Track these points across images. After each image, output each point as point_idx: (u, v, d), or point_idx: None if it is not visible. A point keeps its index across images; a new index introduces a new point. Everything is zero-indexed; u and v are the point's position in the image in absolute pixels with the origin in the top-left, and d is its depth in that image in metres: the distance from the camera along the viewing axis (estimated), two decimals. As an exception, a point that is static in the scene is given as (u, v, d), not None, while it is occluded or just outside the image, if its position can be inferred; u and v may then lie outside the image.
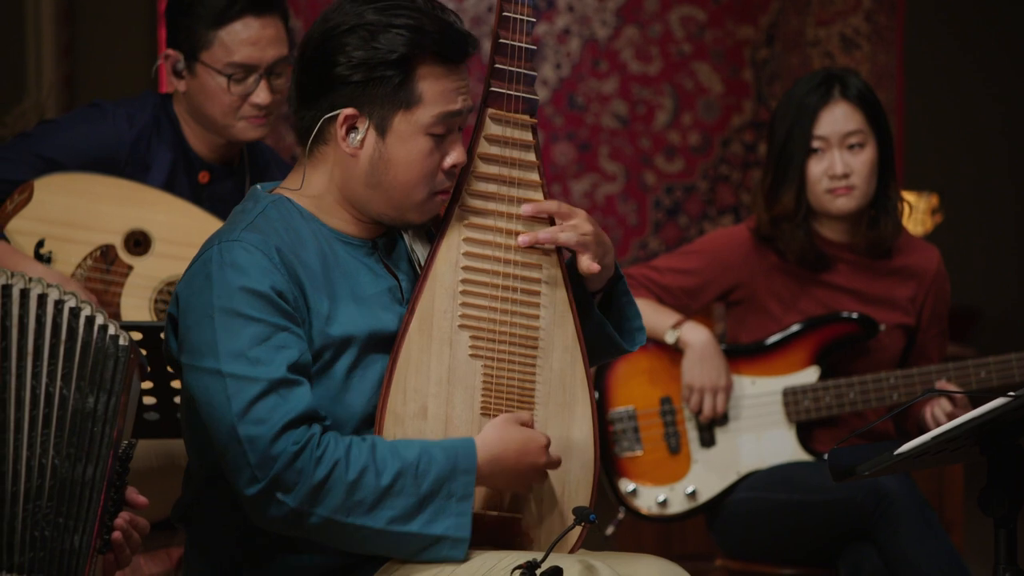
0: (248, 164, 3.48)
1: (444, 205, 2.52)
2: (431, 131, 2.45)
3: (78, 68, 6.06)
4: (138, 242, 3.30)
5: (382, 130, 2.45)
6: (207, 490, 2.48)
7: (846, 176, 3.59)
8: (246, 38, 3.28)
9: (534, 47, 2.58)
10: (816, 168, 3.61)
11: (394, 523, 2.36)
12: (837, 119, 3.60)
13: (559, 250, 2.58)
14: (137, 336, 2.86)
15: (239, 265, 2.38)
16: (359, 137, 2.46)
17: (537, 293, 2.55)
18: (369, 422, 2.45)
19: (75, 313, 2.26)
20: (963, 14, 7.55)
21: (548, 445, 2.48)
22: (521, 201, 2.56)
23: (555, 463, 2.50)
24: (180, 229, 3.30)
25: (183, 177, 3.39)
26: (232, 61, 3.28)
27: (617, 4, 6.22)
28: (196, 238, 3.29)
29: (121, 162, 3.33)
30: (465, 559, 2.39)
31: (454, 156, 2.48)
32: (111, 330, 2.28)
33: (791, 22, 6.24)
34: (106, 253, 3.28)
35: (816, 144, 3.60)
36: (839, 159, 3.59)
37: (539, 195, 2.58)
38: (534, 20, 2.58)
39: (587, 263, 2.55)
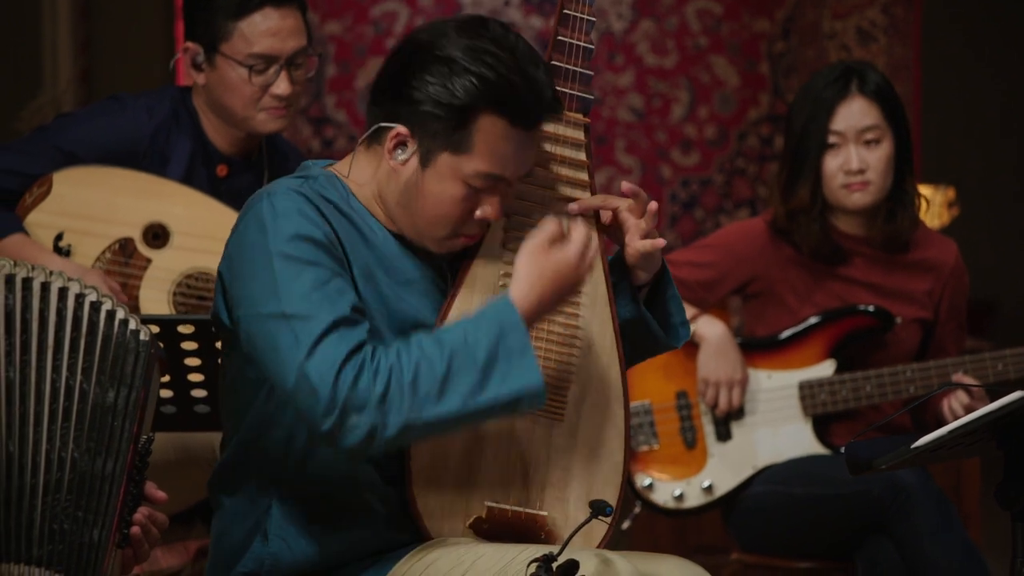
0: (267, 157, 3.49)
1: (464, 246, 2.49)
2: (470, 182, 2.43)
3: (95, 63, 6.07)
4: (156, 235, 3.30)
5: (425, 161, 2.44)
6: (243, 456, 2.49)
7: (861, 171, 3.58)
8: (266, 29, 3.29)
9: (592, 47, 2.55)
10: (832, 163, 3.60)
11: (468, 399, 2.33)
12: (854, 114, 3.59)
13: (603, 252, 2.57)
14: (154, 329, 2.86)
15: (292, 214, 2.39)
16: (403, 157, 2.45)
17: (578, 292, 2.53)
18: None
19: (96, 307, 2.26)
20: (980, 7, 7.53)
21: (573, 237, 2.43)
22: (568, 200, 2.55)
23: (590, 246, 2.45)
24: (198, 222, 3.30)
25: (202, 170, 3.40)
26: (252, 52, 3.28)
27: (633, -3, 6.21)
28: (214, 231, 3.30)
29: (140, 155, 3.34)
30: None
31: (487, 210, 2.46)
32: (132, 324, 2.28)
33: (807, 15, 6.23)
34: (125, 246, 3.29)
35: (832, 139, 3.59)
36: (855, 154, 3.58)
37: (587, 195, 2.57)
38: (594, 20, 2.56)
39: (648, 242, 2.54)
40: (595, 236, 2.52)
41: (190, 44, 3.35)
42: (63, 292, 2.24)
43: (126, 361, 2.27)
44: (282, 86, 3.31)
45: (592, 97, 2.57)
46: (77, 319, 2.24)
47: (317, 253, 2.38)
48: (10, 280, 2.21)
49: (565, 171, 2.56)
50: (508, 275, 2.50)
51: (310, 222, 2.39)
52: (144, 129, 3.35)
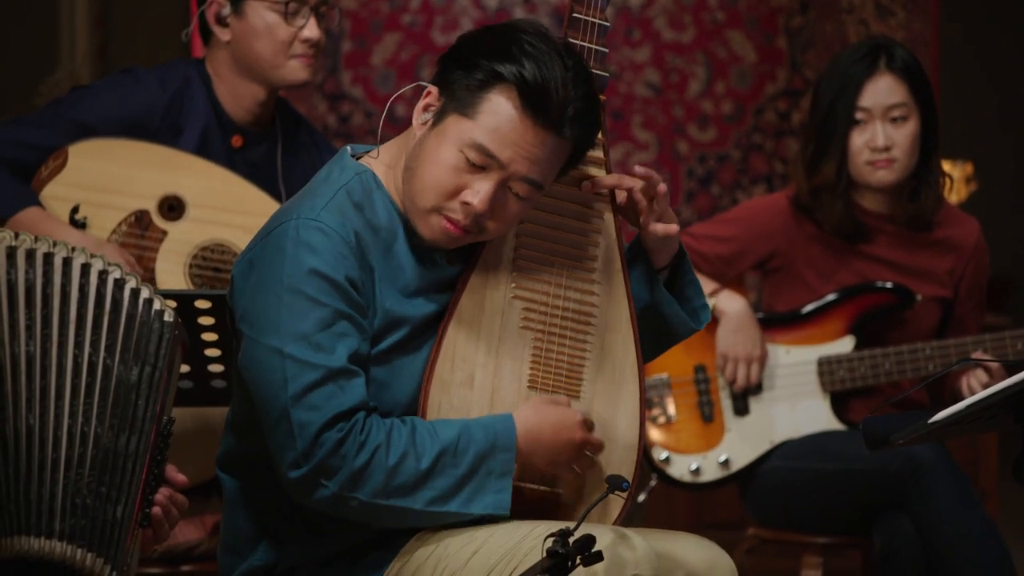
0: (280, 127, 3.50)
1: (450, 236, 2.42)
2: (464, 151, 2.38)
3: (111, 38, 6.08)
4: (172, 207, 3.31)
5: (437, 120, 2.42)
6: (254, 447, 2.48)
7: (887, 149, 3.57)
8: None
9: (607, 23, 2.54)
10: (858, 139, 3.58)
11: (433, 504, 2.37)
12: (881, 91, 3.57)
13: (619, 231, 2.57)
14: (171, 304, 2.86)
15: (314, 247, 2.36)
16: (426, 117, 2.44)
17: (593, 270, 2.54)
18: (416, 405, 2.45)
19: (120, 284, 2.25)
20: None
21: (586, 423, 2.48)
22: (583, 177, 2.54)
23: (595, 443, 2.49)
24: (214, 194, 3.31)
25: (217, 141, 3.40)
26: None
27: (650, -28, 6.19)
28: (230, 203, 3.30)
29: (154, 127, 3.35)
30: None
31: (471, 195, 2.39)
32: (156, 304, 2.27)
33: (825, -10, 6.20)
34: (140, 218, 3.29)
35: (859, 115, 3.58)
36: (881, 131, 3.57)
37: (602, 172, 2.56)
38: (607, 24, 2.55)
39: (661, 226, 2.53)
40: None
41: None
42: (86, 268, 2.23)
43: (150, 340, 2.26)
44: (312, 30, 3.35)
45: (607, 75, 2.55)
46: (100, 295, 2.23)
47: (329, 291, 2.34)
48: (31, 254, 2.20)
49: None
50: (523, 252, 2.51)
51: (335, 257, 2.36)
52: (158, 101, 3.36)
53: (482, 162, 2.38)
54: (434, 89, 2.43)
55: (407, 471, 2.34)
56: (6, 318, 2.17)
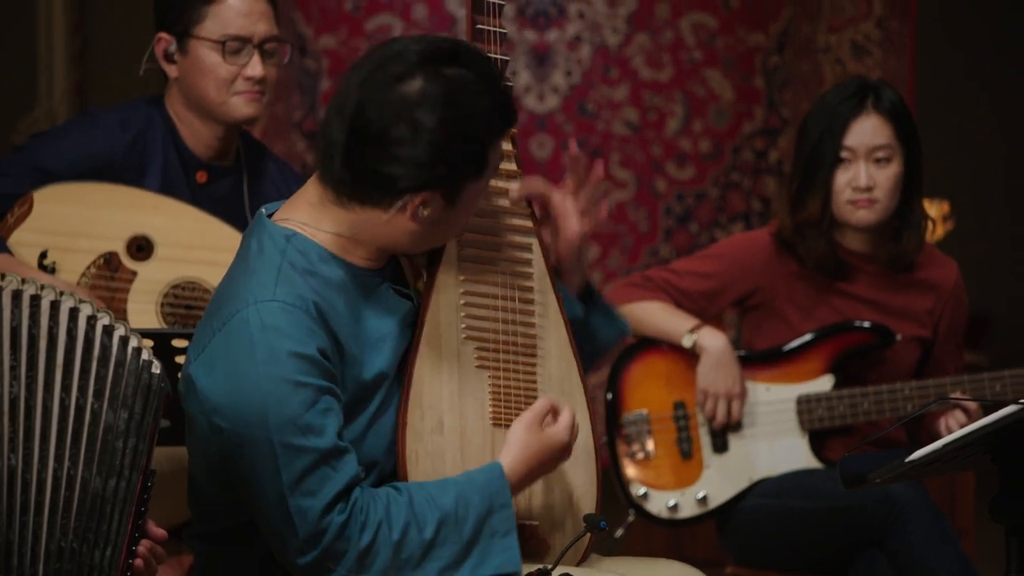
0: (245, 161, 3.50)
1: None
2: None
3: (89, 76, 6.08)
4: (140, 247, 3.31)
5: (451, 200, 2.38)
6: (228, 518, 2.46)
7: (869, 189, 3.57)
8: (238, 11, 3.35)
9: (506, 31, 2.60)
10: (841, 178, 3.59)
11: (444, 573, 2.34)
12: (866, 131, 3.58)
13: (546, 254, 2.60)
14: (147, 343, 2.85)
15: (282, 328, 2.30)
16: (426, 212, 2.37)
17: (532, 301, 2.57)
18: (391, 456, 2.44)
19: (108, 331, 2.23)
20: (974, 21, 7.54)
21: (563, 422, 2.47)
22: (503, 192, 2.57)
23: (575, 430, 2.49)
24: (181, 232, 3.31)
25: (181, 178, 3.41)
26: (226, 32, 3.34)
27: (628, 11, 6.22)
28: (197, 240, 3.31)
29: (117, 168, 3.35)
30: None
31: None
32: (145, 355, 2.26)
33: (802, 29, 6.23)
34: (109, 260, 3.29)
35: (844, 154, 3.58)
36: (864, 172, 3.57)
37: (514, 183, 2.59)
38: (506, 31, 2.61)
39: (586, 220, 2.60)
40: (584, 416, 2.58)
41: (163, 34, 3.38)
42: (74, 312, 2.21)
43: (137, 388, 2.24)
44: (256, 68, 3.35)
45: (511, 84, 2.57)
46: (88, 340, 2.21)
47: (308, 370, 2.29)
48: (17, 296, 2.19)
49: (499, 183, 2.58)
50: (468, 292, 2.52)
51: (303, 333, 2.31)
52: (119, 142, 3.36)
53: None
54: (426, 193, 2.39)
55: (412, 543, 2.32)
56: None
